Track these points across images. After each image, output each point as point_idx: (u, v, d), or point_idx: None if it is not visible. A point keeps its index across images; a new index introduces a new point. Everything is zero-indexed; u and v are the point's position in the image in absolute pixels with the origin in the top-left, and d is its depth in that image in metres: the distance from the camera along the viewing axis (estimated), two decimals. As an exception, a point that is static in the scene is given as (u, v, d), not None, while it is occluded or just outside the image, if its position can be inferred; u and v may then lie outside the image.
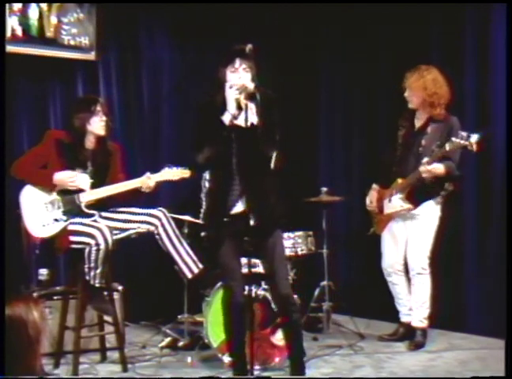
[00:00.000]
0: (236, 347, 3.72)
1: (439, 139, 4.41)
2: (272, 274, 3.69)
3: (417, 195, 4.51)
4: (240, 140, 3.48)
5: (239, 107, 3.43)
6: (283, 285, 3.64)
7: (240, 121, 3.44)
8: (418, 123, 4.62)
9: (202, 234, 4.93)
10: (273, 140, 3.51)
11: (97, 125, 4.10)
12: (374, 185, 4.79)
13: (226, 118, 3.47)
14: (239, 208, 3.55)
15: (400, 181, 4.55)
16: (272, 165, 3.58)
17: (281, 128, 3.54)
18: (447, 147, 4.23)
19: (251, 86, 3.44)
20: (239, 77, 3.49)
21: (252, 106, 3.42)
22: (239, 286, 3.63)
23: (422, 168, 4.35)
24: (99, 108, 4.11)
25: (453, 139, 4.18)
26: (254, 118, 3.42)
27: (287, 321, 3.72)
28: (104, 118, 4.12)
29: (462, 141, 4.13)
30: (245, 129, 3.41)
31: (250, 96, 3.41)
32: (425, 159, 4.36)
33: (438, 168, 4.36)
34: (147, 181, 4.09)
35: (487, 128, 4.48)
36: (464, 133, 4.13)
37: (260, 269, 4.33)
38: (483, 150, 4.26)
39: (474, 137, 4.09)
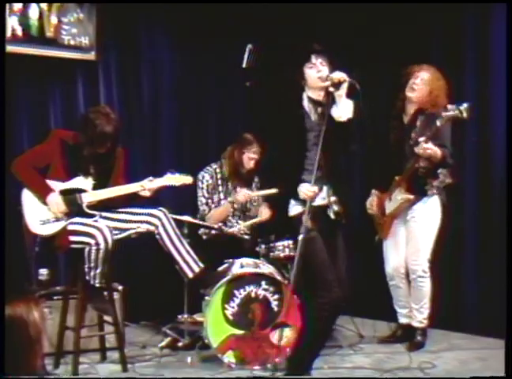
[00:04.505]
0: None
1: (429, 130, 4.38)
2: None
3: (415, 185, 4.48)
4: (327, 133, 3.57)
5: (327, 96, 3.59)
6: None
7: (333, 113, 3.57)
8: (406, 118, 4.60)
9: (200, 232, 4.96)
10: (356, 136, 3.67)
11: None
12: (374, 191, 4.77)
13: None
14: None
15: (397, 178, 4.53)
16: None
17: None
18: (438, 123, 4.17)
19: (340, 76, 3.54)
20: (317, 71, 3.63)
21: (348, 101, 3.55)
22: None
23: (419, 147, 4.25)
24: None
25: (443, 113, 4.14)
26: (349, 112, 3.55)
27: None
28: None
29: (450, 112, 4.10)
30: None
31: (337, 85, 3.53)
32: (421, 139, 4.26)
33: (435, 150, 4.27)
34: (149, 184, 4.09)
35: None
36: (452, 106, 4.11)
37: (260, 269, 4.34)
38: (473, 118, 4.26)
39: (463, 106, 4.07)
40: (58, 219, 4.02)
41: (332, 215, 3.66)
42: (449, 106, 4.12)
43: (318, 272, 3.60)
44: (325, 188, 3.66)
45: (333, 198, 3.66)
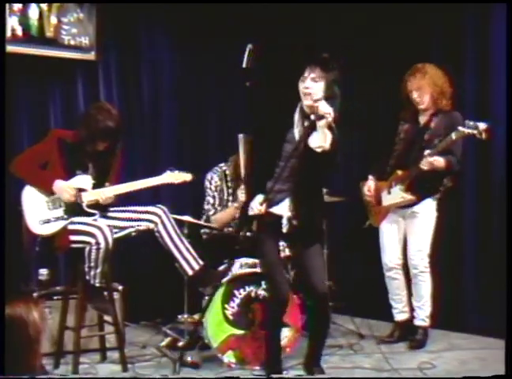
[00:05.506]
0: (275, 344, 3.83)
1: (442, 132, 4.35)
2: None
3: (418, 188, 4.46)
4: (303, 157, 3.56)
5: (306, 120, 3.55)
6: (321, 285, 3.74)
7: (309, 140, 3.52)
8: (423, 119, 4.58)
9: (202, 231, 4.95)
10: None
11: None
12: (370, 177, 4.76)
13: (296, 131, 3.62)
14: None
15: (399, 172, 4.51)
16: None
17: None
18: (453, 136, 4.16)
19: (325, 110, 3.42)
20: (304, 87, 3.54)
21: (328, 134, 3.45)
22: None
23: (423, 161, 4.27)
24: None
25: (460, 128, 4.12)
26: (325, 144, 3.46)
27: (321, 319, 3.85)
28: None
29: (469, 130, 4.06)
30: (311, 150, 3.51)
31: (319, 115, 3.44)
32: (427, 152, 4.29)
33: (438, 161, 4.30)
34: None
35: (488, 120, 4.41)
36: (470, 122, 4.07)
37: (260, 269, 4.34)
38: (491, 138, 4.20)
39: (482, 125, 4.03)
40: (58, 219, 4.03)
41: (284, 229, 3.65)
42: (468, 123, 4.08)
43: (267, 271, 3.86)
44: (287, 200, 3.63)
45: (291, 213, 3.63)
